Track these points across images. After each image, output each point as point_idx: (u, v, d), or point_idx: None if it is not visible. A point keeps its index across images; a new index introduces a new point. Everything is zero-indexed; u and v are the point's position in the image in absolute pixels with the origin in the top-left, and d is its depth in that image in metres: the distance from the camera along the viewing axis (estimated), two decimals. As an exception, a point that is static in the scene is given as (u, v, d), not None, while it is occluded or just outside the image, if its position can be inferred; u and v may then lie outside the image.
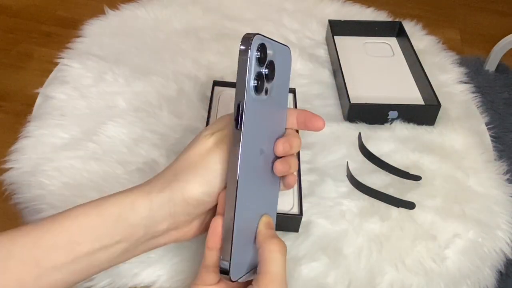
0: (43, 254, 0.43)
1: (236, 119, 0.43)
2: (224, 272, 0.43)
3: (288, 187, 0.51)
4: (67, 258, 0.43)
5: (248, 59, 0.42)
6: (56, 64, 0.86)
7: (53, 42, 2.06)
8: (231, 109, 0.69)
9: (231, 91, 0.76)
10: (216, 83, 0.77)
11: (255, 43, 0.42)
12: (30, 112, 0.77)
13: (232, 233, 0.43)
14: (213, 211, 0.48)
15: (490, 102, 1.54)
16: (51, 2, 2.31)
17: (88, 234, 0.44)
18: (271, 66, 0.46)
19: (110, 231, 0.44)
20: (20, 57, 2.00)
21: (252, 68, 0.43)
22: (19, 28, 2.16)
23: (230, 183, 0.43)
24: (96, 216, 0.45)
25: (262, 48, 0.43)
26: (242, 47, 0.42)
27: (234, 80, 0.78)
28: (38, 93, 0.81)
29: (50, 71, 0.86)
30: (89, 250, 0.44)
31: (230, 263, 0.43)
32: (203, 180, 0.46)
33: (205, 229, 0.50)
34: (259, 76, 0.44)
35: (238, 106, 0.43)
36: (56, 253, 0.43)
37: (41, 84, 0.83)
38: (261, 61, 0.44)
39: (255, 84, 0.43)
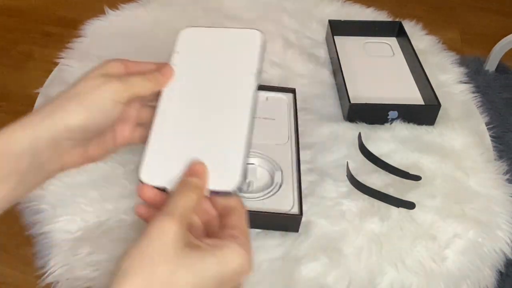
0: None
1: None
2: None
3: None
4: None
5: None
6: (56, 64, 0.86)
7: (53, 42, 2.06)
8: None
9: None
10: None
11: None
12: (30, 112, 0.77)
13: None
14: (97, 142, 0.52)
15: (490, 102, 1.54)
16: (51, 2, 2.30)
17: None
18: None
19: None
20: (20, 57, 2.00)
21: None
22: (19, 28, 2.15)
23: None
24: None
25: None
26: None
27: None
28: (38, 93, 0.81)
29: (50, 71, 0.86)
30: None
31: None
32: (85, 109, 0.47)
33: (90, 158, 0.52)
34: None
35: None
36: None
37: (41, 84, 0.83)
38: None
39: None
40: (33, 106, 0.79)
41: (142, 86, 0.52)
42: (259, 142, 0.69)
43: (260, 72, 0.53)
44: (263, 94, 0.77)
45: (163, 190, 0.46)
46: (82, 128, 0.48)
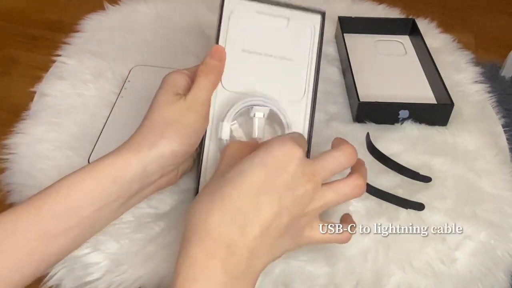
0: (46, 225, 0.50)
1: None
2: None
3: None
4: (70, 223, 0.51)
5: None
6: (44, 69, 0.89)
7: (40, 46, 2.07)
8: (245, 35, 0.62)
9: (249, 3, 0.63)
10: None
11: None
12: (16, 121, 0.79)
13: None
14: (188, 159, 0.64)
15: (506, 110, 1.56)
16: (39, 4, 2.31)
17: (87, 198, 0.52)
18: None
19: (108, 192, 0.53)
20: (5, 63, 2.01)
21: None
22: (4, 31, 2.16)
23: None
24: (91, 180, 0.53)
25: None
26: None
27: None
28: (21, 102, 0.84)
29: (37, 77, 0.88)
30: (90, 213, 0.52)
31: None
32: (184, 136, 0.57)
33: (181, 174, 0.65)
34: None
35: None
36: (59, 221, 0.51)
37: (26, 91, 0.86)
38: None
39: None
40: (17, 114, 0.81)
41: (211, 86, 0.60)
42: (270, 95, 0.61)
43: None
44: (285, 15, 0.62)
45: None
46: (183, 152, 0.58)
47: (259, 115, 0.59)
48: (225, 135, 0.59)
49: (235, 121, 0.60)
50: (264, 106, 0.60)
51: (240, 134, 0.60)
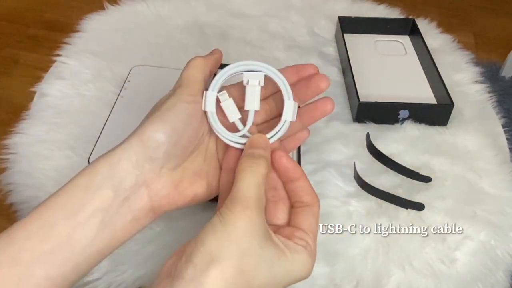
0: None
1: None
2: None
3: None
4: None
5: None
6: (44, 69, 0.90)
7: (40, 46, 2.07)
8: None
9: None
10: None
11: None
12: (16, 121, 0.80)
13: None
14: (180, 171, 0.49)
15: (506, 110, 1.56)
16: (39, 4, 2.31)
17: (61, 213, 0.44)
18: None
19: (80, 199, 0.44)
20: (5, 63, 2.01)
21: None
22: (4, 31, 2.16)
23: None
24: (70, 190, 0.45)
25: None
26: None
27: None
28: (21, 102, 0.85)
29: (37, 77, 0.89)
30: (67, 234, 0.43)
31: None
32: (157, 119, 0.47)
33: (187, 194, 0.50)
34: None
35: None
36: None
37: (26, 91, 0.86)
38: None
39: None
40: (17, 114, 0.81)
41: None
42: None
43: None
44: None
45: None
46: (157, 139, 0.46)
47: (253, 82, 0.49)
48: (209, 106, 0.48)
49: (224, 92, 0.50)
50: (258, 72, 0.50)
51: (230, 109, 0.49)
